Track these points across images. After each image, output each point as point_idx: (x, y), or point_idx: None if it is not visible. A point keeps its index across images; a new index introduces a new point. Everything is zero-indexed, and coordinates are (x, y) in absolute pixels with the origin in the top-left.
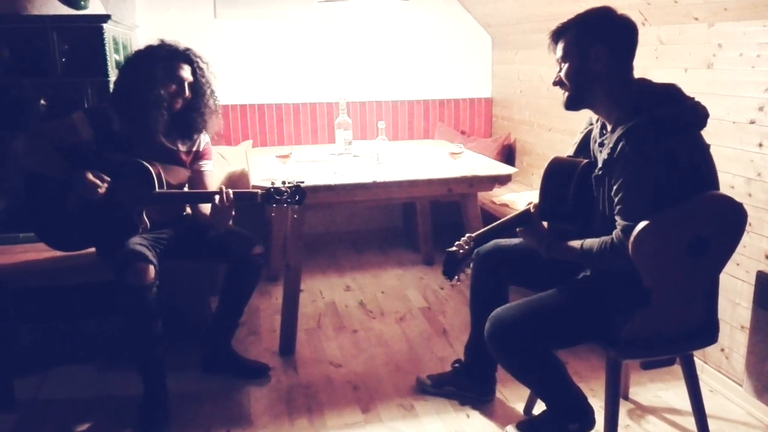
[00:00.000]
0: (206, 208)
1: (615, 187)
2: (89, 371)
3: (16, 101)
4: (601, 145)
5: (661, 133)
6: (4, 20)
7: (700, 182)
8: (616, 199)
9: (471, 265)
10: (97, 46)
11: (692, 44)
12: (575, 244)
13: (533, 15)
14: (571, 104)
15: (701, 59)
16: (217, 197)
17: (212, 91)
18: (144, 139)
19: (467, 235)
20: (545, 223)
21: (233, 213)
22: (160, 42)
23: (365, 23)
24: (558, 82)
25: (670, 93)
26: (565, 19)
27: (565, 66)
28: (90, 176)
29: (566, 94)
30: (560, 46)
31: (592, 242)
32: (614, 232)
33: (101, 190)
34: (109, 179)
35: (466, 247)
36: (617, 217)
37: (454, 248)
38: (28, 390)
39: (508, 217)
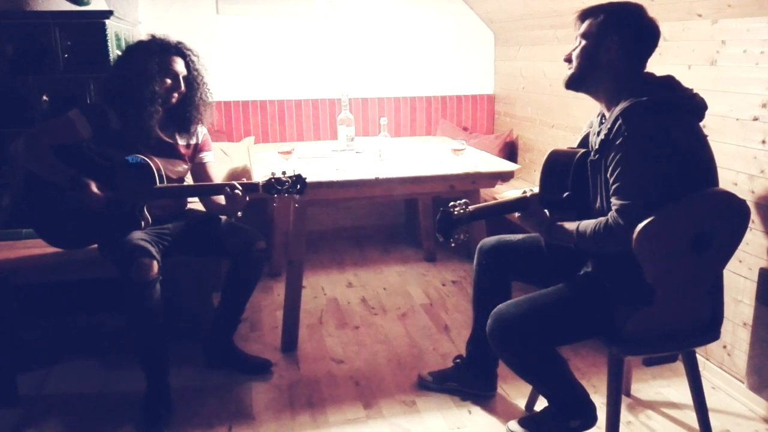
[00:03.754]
0: (216, 196)
1: (611, 167)
2: (92, 367)
3: (18, 98)
4: (599, 133)
5: (658, 113)
6: (7, 16)
7: (698, 169)
8: (611, 179)
9: (467, 234)
10: (99, 43)
11: (696, 41)
12: (571, 226)
13: (536, 11)
14: (572, 83)
15: (705, 56)
16: (228, 189)
17: (205, 84)
18: (141, 135)
19: (464, 200)
20: (546, 212)
21: (247, 199)
22: (151, 37)
23: (368, 19)
24: (567, 59)
25: (669, 82)
26: (567, 15)
27: (580, 45)
28: (94, 188)
29: (570, 71)
30: (585, 23)
31: (587, 224)
32: (609, 213)
33: (101, 202)
34: (111, 194)
35: (462, 211)
36: (613, 198)
37: (449, 208)
38: (31, 385)
39: (505, 199)
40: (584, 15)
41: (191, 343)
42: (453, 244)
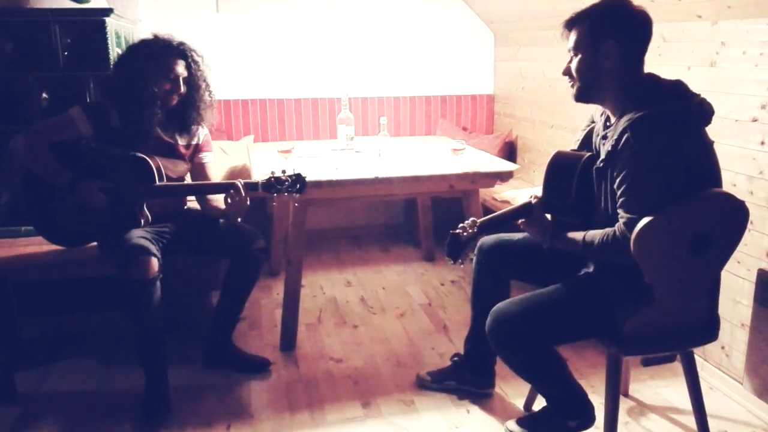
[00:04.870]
0: (215, 199)
1: (618, 180)
2: (91, 365)
3: (18, 95)
4: (605, 138)
5: (667, 126)
6: (7, 14)
7: (704, 178)
8: (618, 192)
9: (475, 251)
10: (99, 40)
11: (695, 42)
12: (577, 235)
13: (536, 11)
14: (581, 97)
15: (704, 57)
16: (231, 191)
17: (207, 85)
18: (140, 135)
19: (472, 219)
20: (549, 216)
21: (248, 203)
22: (153, 36)
23: (368, 19)
24: (567, 73)
25: (678, 89)
26: (567, 15)
27: (576, 58)
28: (95, 191)
29: (575, 86)
30: (573, 36)
31: (594, 234)
32: (617, 225)
33: (103, 205)
34: (111, 193)
35: (470, 230)
36: (620, 210)
37: (458, 230)
38: (30, 383)
39: (511, 207)
40: (570, 24)
41: (190, 341)
42: (462, 265)
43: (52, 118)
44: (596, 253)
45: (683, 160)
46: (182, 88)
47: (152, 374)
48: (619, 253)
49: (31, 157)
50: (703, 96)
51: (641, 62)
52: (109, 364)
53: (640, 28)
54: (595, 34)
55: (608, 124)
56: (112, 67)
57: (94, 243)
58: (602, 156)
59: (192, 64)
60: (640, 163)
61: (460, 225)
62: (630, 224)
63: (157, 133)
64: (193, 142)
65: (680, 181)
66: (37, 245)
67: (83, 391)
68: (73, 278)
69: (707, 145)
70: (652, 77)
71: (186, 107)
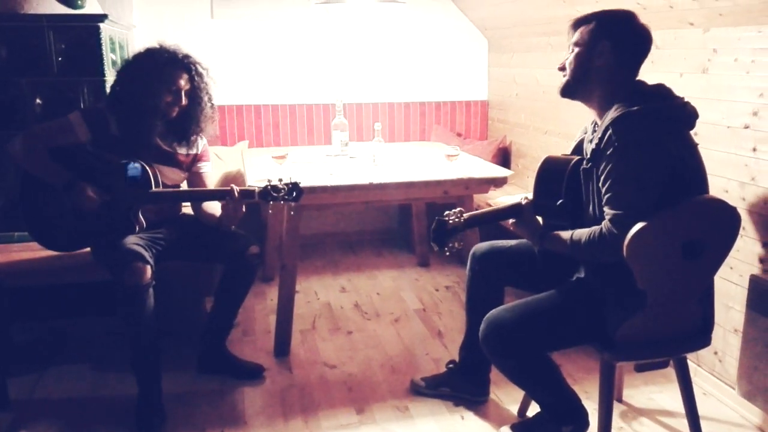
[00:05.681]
0: (210, 207)
1: (602, 177)
2: (84, 371)
3: (12, 100)
4: (592, 141)
5: (649, 123)
6: (1, 19)
7: (688, 178)
8: (603, 189)
9: (461, 243)
10: (93, 46)
11: (687, 49)
12: (565, 234)
13: (530, 18)
14: (567, 91)
15: (696, 64)
16: (227, 198)
17: (209, 97)
18: (139, 144)
19: (459, 208)
20: (540, 219)
21: (243, 210)
22: (159, 46)
23: (362, 25)
24: (561, 68)
25: (660, 91)
26: (561, 22)
27: (573, 52)
28: (90, 192)
29: (564, 79)
30: (577, 32)
31: (581, 233)
32: (603, 223)
33: (95, 206)
34: (108, 197)
35: (456, 220)
36: (605, 207)
37: (444, 217)
38: (22, 389)
39: (500, 206)
40: (576, 23)
41: (184, 347)
42: (448, 253)
43: (50, 121)
44: (583, 251)
45: (666, 157)
46: (183, 101)
47: (145, 380)
48: (605, 250)
49: (27, 158)
50: (687, 100)
51: (634, 71)
52: (103, 370)
53: (638, 40)
54: (595, 32)
55: (596, 129)
56: (116, 73)
57: (88, 249)
58: (588, 156)
59: (195, 76)
60: (623, 159)
61: (447, 212)
62: (616, 221)
63: (156, 143)
64: (192, 152)
65: (664, 178)
66: (31, 251)
67: (76, 397)
68: (66, 284)
69: (691, 147)
70: (639, 82)
71: (186, 118)
